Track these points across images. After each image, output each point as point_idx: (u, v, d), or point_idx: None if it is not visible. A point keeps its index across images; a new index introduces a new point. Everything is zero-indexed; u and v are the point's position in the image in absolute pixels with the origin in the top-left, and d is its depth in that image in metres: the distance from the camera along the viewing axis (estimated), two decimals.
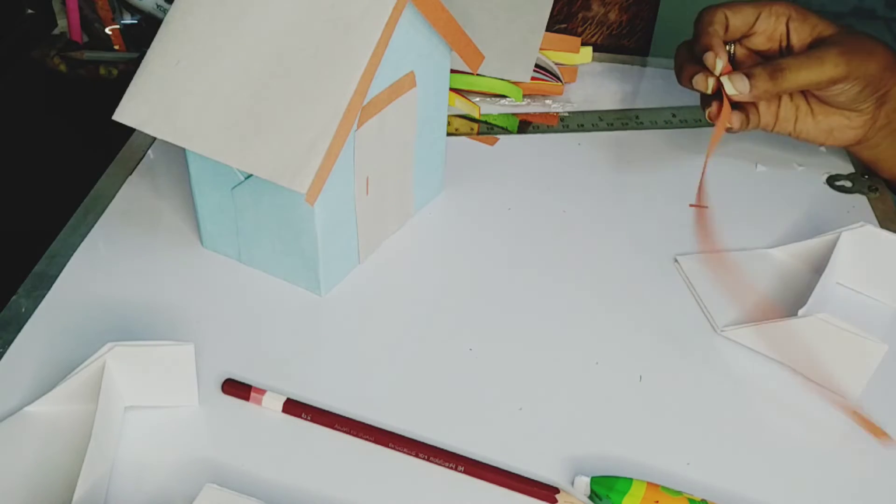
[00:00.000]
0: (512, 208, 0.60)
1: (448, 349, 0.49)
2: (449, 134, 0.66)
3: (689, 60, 0.57)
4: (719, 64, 0.54)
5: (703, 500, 0.40)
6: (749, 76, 0.54)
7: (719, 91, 0.55)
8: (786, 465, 0.44)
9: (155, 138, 0.63)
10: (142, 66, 0.48)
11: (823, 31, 0.56)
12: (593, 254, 0.56)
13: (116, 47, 0.77)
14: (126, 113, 0.47)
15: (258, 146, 0.44)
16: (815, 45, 0.55)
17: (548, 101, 0.71)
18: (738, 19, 0.56)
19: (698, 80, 0.55)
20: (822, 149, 0.67)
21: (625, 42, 0.88)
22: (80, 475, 0.38)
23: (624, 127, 0.69)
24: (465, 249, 0.56)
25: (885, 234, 0.51)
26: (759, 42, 0.58)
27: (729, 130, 0.57)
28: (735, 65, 0.58)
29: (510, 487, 0.42)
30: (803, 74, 0.53)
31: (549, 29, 0.69)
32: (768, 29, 0.56)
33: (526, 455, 0.43)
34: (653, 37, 0.89)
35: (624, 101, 0.73)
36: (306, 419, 0.44)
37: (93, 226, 0.56)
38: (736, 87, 0.54)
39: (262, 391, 0.45)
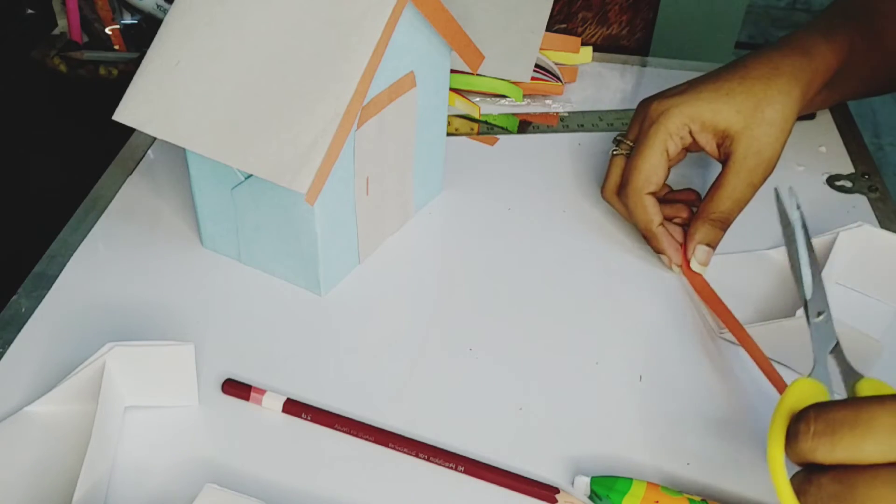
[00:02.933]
0: (512, 208, 0.60)
1: (448, 349, 0.49)
2: (449, 134, 0.66)
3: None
4: (675, 269, 0.54)
5: (703, 500, 0.40)
6: (705, 242, 0.53)
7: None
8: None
9: (155, 138, 0.63)
10: (142, 66, 0.48)
11: (729, 126, 0.53)
12: (593, 254, 0.56)
13: (116, 47, 0.77)
14: (126, 113, 0.47)
15: (258, 146, 0.44)
16: (732, 155, 0.53)
17: (548, 101, 0.71)
18: (659, 174, 0.54)
19: (666, 261, 0.55)
20: (822, 148, 0.67)
21: (625, 42, 0.88)
22: (80, 475, 0.38)
23: (624, 127, 0.69)
24: (465, 249, 0.56)
25: (883, 234, 0.51)
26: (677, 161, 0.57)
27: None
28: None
29: (510, 487, 0.42)
30: (744, 194, 0.53)
31: (549, 29, 0.69)
32: (679, 146, 0.55)
33: (526, 455, 0.43)
34: (653, 37, 0.89)
35: (624, 101, 0.73)
36: (306, 419, 0.44)
37: (93, 226, 0.56)
38: (703, 262, 0.53)
39: (262, 391, 0.45)
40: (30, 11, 0.82)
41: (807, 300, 0.43)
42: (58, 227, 0.56)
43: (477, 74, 0.68)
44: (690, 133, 0.54)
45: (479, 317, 0.51)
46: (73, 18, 0.76)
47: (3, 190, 0.69)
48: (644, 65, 0.79)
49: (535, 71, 0.70)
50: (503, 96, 0.71)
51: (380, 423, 0.44)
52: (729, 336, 0.50)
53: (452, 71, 0.64)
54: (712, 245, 0.53)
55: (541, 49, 0.70)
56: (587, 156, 0.65)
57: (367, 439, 0.43)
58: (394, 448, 0.43)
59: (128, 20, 0.77)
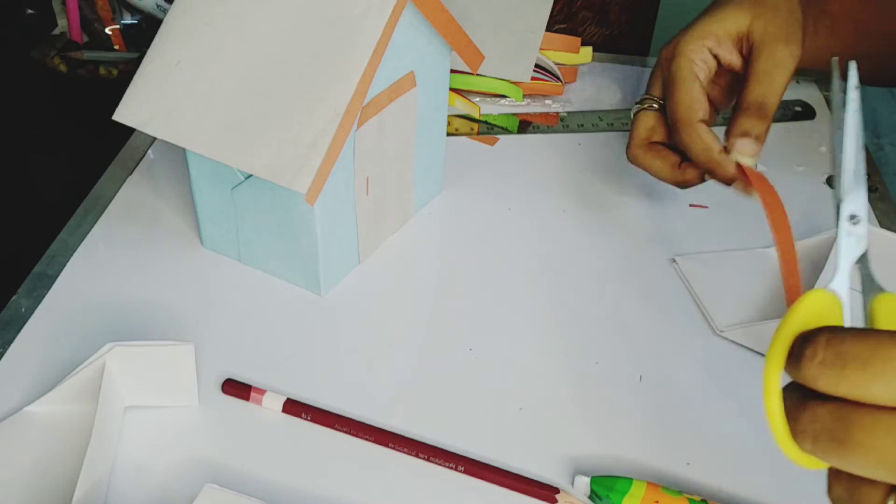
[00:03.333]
0: (512, 208, 0.60)
1: (448, 349, 0.49)
2: (449, 134, 0.66)
3: (666, 153, 0.55)
4: (754, 194, 0.50)
5: (703, 500, 0.40)
6: (744, 134, 0.51)
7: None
8: (785, 465, 0.44)
9: (155, 138, 0.63)
10: (142, 66, 0.48)
11: (739, 26, 0.53)
12: (593, 254, 0.56)
13: (116, 47, 0.77)
14: (126, 113, 0.47)
15: (258, 146, 0.44)
16: (751, 48, 0.53)
17: (548, 101, 0.71)
18: (703, 102, 0.53)
19: (736, 186, 0.51)
20: (823, 148, 0.67)
21: (625, 42, 0.88)
22: (80, 475, 0.38)
23: (624, 127, 0.69)
24: (465, 250, 0.56)
25: (883, 233, 0.51)
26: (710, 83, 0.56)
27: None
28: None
29: (510, 487, 0.42)
30: (774, 77, 0.52)
31: (549, 29, 0.69)
32: (706, 72, 0.54)
33: (526, 455, 0.43)
34: (653, 37, 0.89)
35: (624, 101, 0.73)
36: (306, 419, 0.44)
37: (93, 226, 0.56)
38: (751, 154, 0.51)
39: (262, 391, 0.45)
40: (30, 11, 0.82)
41: (840, 202, 0.36)
42: (58, 227, 0.56)
43: (477, 74, 0.68)
44: (711, 52, 0.53)
45: (479, 317, 0.51)
46: (73, 18, 0.76)
47: (4, 190, 0.69)
48: (644, 65, 0.79)
49: (535, 71, 0.70)
50: (503, 96, 0.71)
51: (380, 423, 0.44)
52: (729, 336, 0.50)
53: (452, 71, 0.64)
54: (756, 136, 0.51)
55: (541, 49, 0.70)
56: (587, 156, 0.65)
57: (367, 439, 0.43)
58: (394, 448, 0.43)
59: (128, 20, 0.77)
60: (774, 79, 0.52)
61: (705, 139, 0.51)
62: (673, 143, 0.54)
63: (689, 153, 0.52)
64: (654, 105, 0.55)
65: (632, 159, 0.56)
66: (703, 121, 0.52)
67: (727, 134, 0.52)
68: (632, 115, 0.57)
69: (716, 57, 0.53)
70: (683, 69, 0.53)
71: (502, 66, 0.69)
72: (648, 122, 0.55)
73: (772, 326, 0.47)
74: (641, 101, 0.56)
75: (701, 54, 0.53)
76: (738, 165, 0.51)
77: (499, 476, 0.42)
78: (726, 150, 0.51)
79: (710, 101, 0.54)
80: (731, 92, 0.55)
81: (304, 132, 0.43)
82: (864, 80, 0.66)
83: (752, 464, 0.43)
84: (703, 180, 0.53)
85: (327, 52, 0.44)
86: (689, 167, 0.53)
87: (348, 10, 0.45)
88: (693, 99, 0.52)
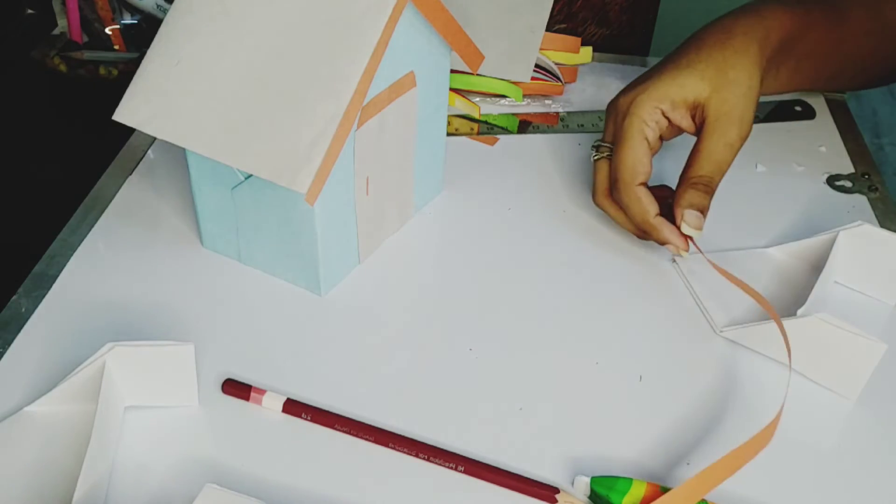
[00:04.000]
0: (512, 208, 0.60)
1: (448, 349, 0.49)
2: (449, 134, 0.66)
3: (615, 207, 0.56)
4: (684, 255, 0.53)
5: (703, 500, 0.40)
6: (690, 206, 0.52)
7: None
8: (785, 464, 0.44)
9: (155, 138, 0.64)
10: (142, 66, 0.48)
11: (697, 96, 0.53)
12: (593, 254, 0.56)
13: (116, 47, 0.77)
14: (126, 113, 0.47)
15: (258, 146, 0.44)
16: (706, 123, 0.53)
17: (548, 101, 0.71)
18: (645, 164, 0.53)
19: (671, 248, 0.53)
20: (823, 148, 0.67)
21: (625, 42, 0.88)
22: (80, 475, 0.38)
23: None
24: (465, 249, 0.56)
25: (883, 233, 0.51)
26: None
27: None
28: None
29: (510, 487, 0.42)
30: (722, 156, 0.53)
31: (549, 29, 0.69)
32: (656, 132, 0.54)
33: (526, 455, 0.43)
34: (653, 37, 0.89)
35: None
36: (306, 419, 0.44)
37: (93, 226, 0.56)
38: (696, 227, 0.52)
39: (262, 391, 0.45)
40: (30, 11, 0.82)
41: None
42: (58, 227, 0.56)
43: (477, 74, 0.68)
44: (664, 115, 0.54)
45: (479, 317, 0.51)
46: (73, 18, 0.76)
47: (4, 190, 0.69)
48: (644, 65, 0.79)
49: (535, 71, 0.70)
50: (503, 96, 0.71)
51: (380, 423, 0.44)
52: (729, 336, 0.50)
53: (452, 71, 0.64)
54: (701, 209, 0.53)
55: (541, 49, 0.70)
56: (587, 156, 0.65)
57: (367, 439, 0.43)
58: (394, 448, 0.43)
59: (128, 20, 0.78)
60: (722, 159, 0.53)
61: (643, 202, 0.53)
62: (614, 198, 0.55)
63: (627, 213, 0.54)
64: (609, 153, 0.56)
65: (598, 206, 0.57)
66: (643, 183, 0.53)
67: (674, 204, 0.53)
68: (592, 161, 0.57)
69: (667, 118, 0.54)
70: (634, 128, 0.53)
71: (502, 66, 0.69)
72: (606, 169, 0.56)
73: (772, 326, 0.48)
74: (598, 149, 0.57)
75: (654, 115, 0.54)
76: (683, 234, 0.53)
77: (499, 476, 0.42)
78: (674, 221, 0.53)
79: (651, 154, 0.54)
80: (677, 132, 0.56)
81: (304, 132, 0.43)
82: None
83: (752, 464, 0.43)
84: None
85: (327, 51, 0.44)
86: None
87: (348, 9, 0.45)
88: (637, 161, 0.53)
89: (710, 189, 0.53)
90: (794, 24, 0.58)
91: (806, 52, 0.60)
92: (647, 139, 0.54)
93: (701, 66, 0.53)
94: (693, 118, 0.54)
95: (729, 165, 0.54)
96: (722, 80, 0.53)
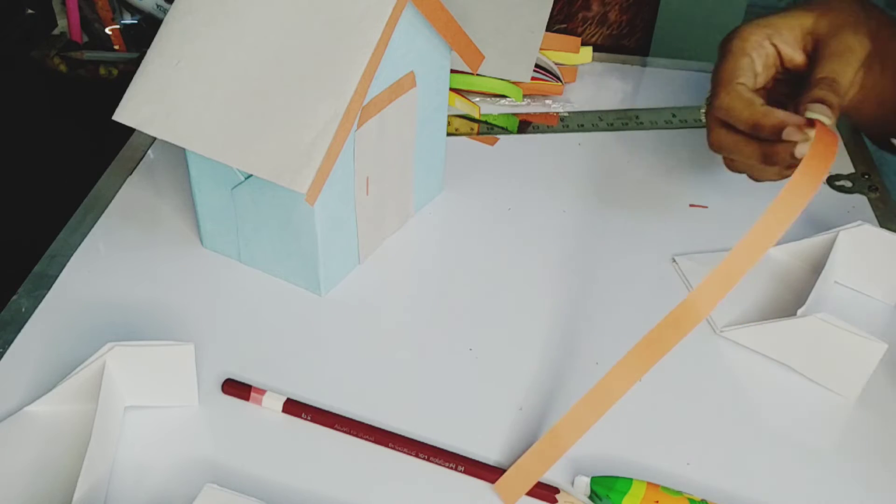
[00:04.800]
0: (512, 208, 0.60)
1: (448, 349, 0.49)
2: (449, 134, 0.66)
3: (743, 141, 0.50)
4: (811, 133, 0.46)
5: (703, 500, 0.40)
6: (817, 100, 0.48)
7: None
8: (785, 464, 0.44)
9: (155, 138, 0.63)
10: (142, 66, 0.48)
11: (803, 23, 0.52)
12: (593, 254, 0.56)
13: (116, 47, 0.77)
14: (126, 113, 0.47)
15: (258, 146, 0.44)
16: (817, 43, 0.51)
17: (548, 101, 0.71)
18: (747, 73, 0.50)
19: (790, 132, 0.46)
20: None
21: (625, 42, 0.88)
22: (80, 475, 0.38)
23: (624, 127, 0.69)
24: (465, 249, 0.56)
25: (883, 233, 0.51)
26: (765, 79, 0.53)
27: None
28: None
29: None
30: (848, 69, 0.49)
31: (549, 29, 0.69)
32: (762, 60, 0.52)
33: None
34: (653, 37, 0.89)
35: (624, 101, 0.73)
36: (306, 419, 0.44)
37: (93, 226, 0.56)
38: (825, 113, 0.47)
39: (262, 391, 0.45)
40: (30, 11, 0.82)
41: None
42: (58, 227, 0.56)
43: (477, 74, 0.68)
44: (771, 42, 0.51)
45: (479, 317, 0.51)
46: (73, 18, 0.76)
47: (4, 190, 0.69)
48: (644, 65, 0.79)
49: (535, 71, 0.70)
50: (503, 96, 0.71)
51: (380, 423, 0.44)
52: (729, 336, 0.50)
53: (452, 71, 0.64)
54: (829, 104, 0.47)
55: (541, 49, 0.70)
56: (587, 156, 0.65)
57: (367, 439, 0.43)
58: (394, 448, 0.43)
59: (128, 20, 0.78)
60: (846, 59, 0.49)
61: (745, 97, 0.48)
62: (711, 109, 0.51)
63: (731, 117, 0.49)
64: None
65: (713, 146, 0.52)
66: (744, 84, 0.50)
67: (797, 107, 0.48)
68: (702, 116, 0.54)
69: (776, 48, 0.51)
70: (735, 46, 0.51)
71: (502, 66, 0.69)
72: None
73: (772, 326, 0.48)
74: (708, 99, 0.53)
75: (758, 38, 0.51)
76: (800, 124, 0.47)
77: (499, 476, 0.42)
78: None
79: (756, 76, 0.51)
80: (792, 96, 0.51)
81: (304, 132, 0.43)
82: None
83: (752, 464, 0.43)
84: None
85: (327, 52, 0.44)
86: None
87: (348, 10, 0.45)
88: (738, 67, 0.50)
89: (835, 89, 0.48)
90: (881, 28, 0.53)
91: (881, 62, 0.54)
92: (749, 55, 0.51)
93: (819, 10, 0.51)
94: (804, 50, 0.51)
95: (854, 71, 0.49)
96: (826, 8, 0.51)
